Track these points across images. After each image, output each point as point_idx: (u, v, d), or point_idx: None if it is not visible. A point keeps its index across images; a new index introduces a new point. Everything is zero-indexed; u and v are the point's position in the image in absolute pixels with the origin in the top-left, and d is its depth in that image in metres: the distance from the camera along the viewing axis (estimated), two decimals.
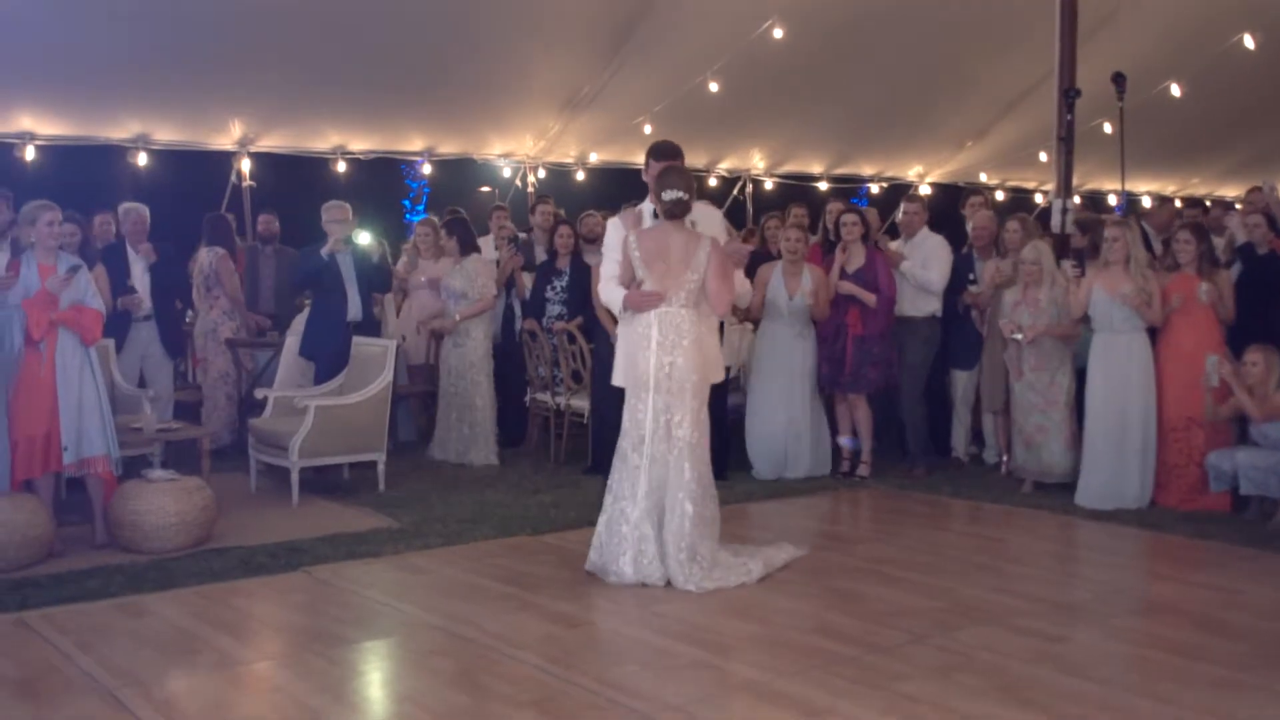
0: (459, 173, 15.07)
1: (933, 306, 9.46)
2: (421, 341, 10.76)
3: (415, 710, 4.80)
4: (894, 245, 9.64)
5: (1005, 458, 9.32)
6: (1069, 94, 9.58)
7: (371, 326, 9.87)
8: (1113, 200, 17.64)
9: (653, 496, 6.45)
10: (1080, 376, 8.56)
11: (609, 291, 6.74)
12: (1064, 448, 8.60)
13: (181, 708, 4.81)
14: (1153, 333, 8.34)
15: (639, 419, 6.51)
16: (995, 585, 6.41)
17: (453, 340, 9.95)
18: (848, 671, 5.10)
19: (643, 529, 6.41)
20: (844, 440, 9.35)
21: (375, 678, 5.34)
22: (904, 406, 9.57)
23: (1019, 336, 8.62)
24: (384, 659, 5.52)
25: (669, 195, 6.47)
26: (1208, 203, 17.89)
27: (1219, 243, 9.53)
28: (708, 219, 7.04)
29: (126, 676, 5.12)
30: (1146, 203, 18.10)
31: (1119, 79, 10.03)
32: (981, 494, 8.76)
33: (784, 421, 9.19)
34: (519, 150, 14.46)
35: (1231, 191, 18.74)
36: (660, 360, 6.46)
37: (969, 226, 10.06)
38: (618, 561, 6.46)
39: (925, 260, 9.39)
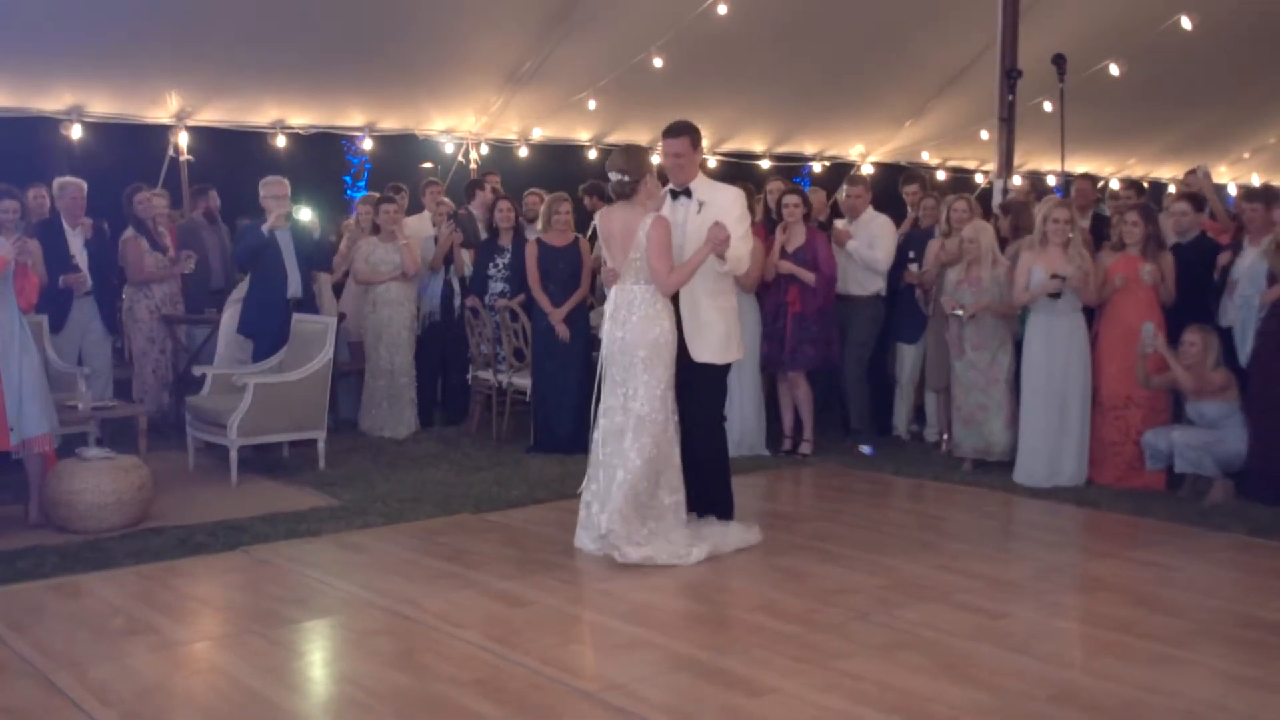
0: (401, 149, 14.90)
1: (877, 285, 9.50)
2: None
3: (356, 691, 4.76)
4: (840, 223, 9.66)
5: (946, 436, 9.39)
6: (1011, 74, 9.63)
7: (312, 304, 9.77)
8: (1052, 181, 17.78)
9: (603, 472, 6.62)
10: (1017, 354, 8.64)
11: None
12: (1004, 426, 8.66)
13: (118, 690, 4.73)
14: (1090, 311, 8.42)
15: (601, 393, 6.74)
16: (937, 563, 6.46)
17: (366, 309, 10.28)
18: (791, 650, 5.12)
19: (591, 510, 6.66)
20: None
21: (316, 658, 5.29)
22: (848, 384, 9.62)
23: (960, 313, 8.67)
24: (324, 639, 5.47)
25: (612, 177, 6.63)
26: (1145, 184, 18.07)
27: None
28: (719, 198, 6.84)
29: (61, 658, 5.04)
30: None
31: (1059, 60, 10.10)
32: (923, 472, 8.82)
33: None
34: (461, 126, 14.32)
35: (1168, 172, 18.95)
36: (612, 334, 6.62)
37: (910, 207, 10.09)
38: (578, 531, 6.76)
39: (871, 240, 9.43)
